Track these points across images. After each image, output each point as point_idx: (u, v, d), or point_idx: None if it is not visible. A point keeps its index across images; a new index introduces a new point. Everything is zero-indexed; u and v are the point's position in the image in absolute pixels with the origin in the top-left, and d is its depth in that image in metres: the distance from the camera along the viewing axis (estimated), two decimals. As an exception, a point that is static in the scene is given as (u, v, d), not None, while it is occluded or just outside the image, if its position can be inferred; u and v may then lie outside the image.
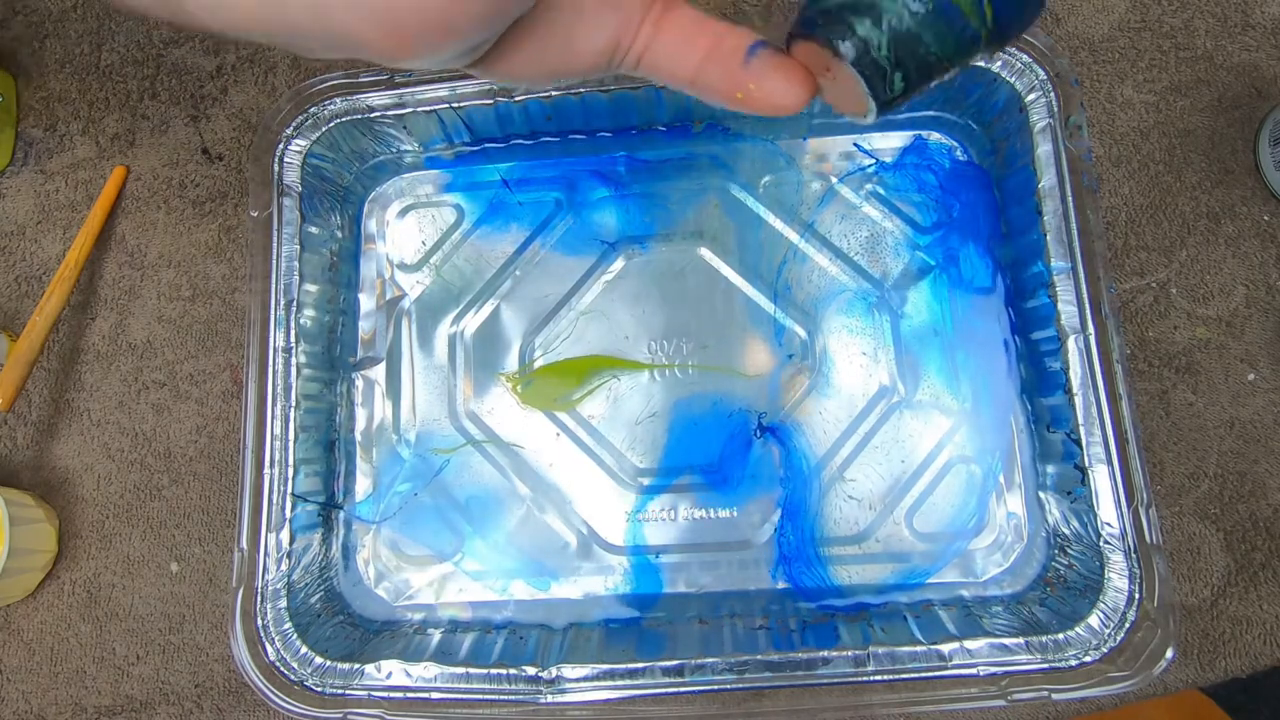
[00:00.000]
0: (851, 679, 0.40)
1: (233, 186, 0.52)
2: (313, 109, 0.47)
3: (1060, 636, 0.40)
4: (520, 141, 0.50)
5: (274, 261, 0.46)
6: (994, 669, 0.39)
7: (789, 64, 0.26)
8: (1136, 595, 0.40)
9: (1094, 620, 0.40)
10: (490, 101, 0.46)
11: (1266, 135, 0.47)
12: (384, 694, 0.41)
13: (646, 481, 0.47)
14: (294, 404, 0.45)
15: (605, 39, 0.26)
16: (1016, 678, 0.39)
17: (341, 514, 0.47)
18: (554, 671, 0.41)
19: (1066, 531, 0.43)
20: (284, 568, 0.43)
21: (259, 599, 0.42)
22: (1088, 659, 0.39)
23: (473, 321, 0.49)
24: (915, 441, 0.46)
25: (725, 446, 0.47)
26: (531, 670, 0.41)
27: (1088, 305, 0.42)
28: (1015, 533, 0.45)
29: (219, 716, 0.47)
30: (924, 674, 0.40)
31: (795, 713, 0.40)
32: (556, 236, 0.50)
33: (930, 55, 0.24)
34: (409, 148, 0.50)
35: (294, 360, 0.45)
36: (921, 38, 0.24)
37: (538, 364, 0.48)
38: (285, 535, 0.43)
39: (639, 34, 0.27)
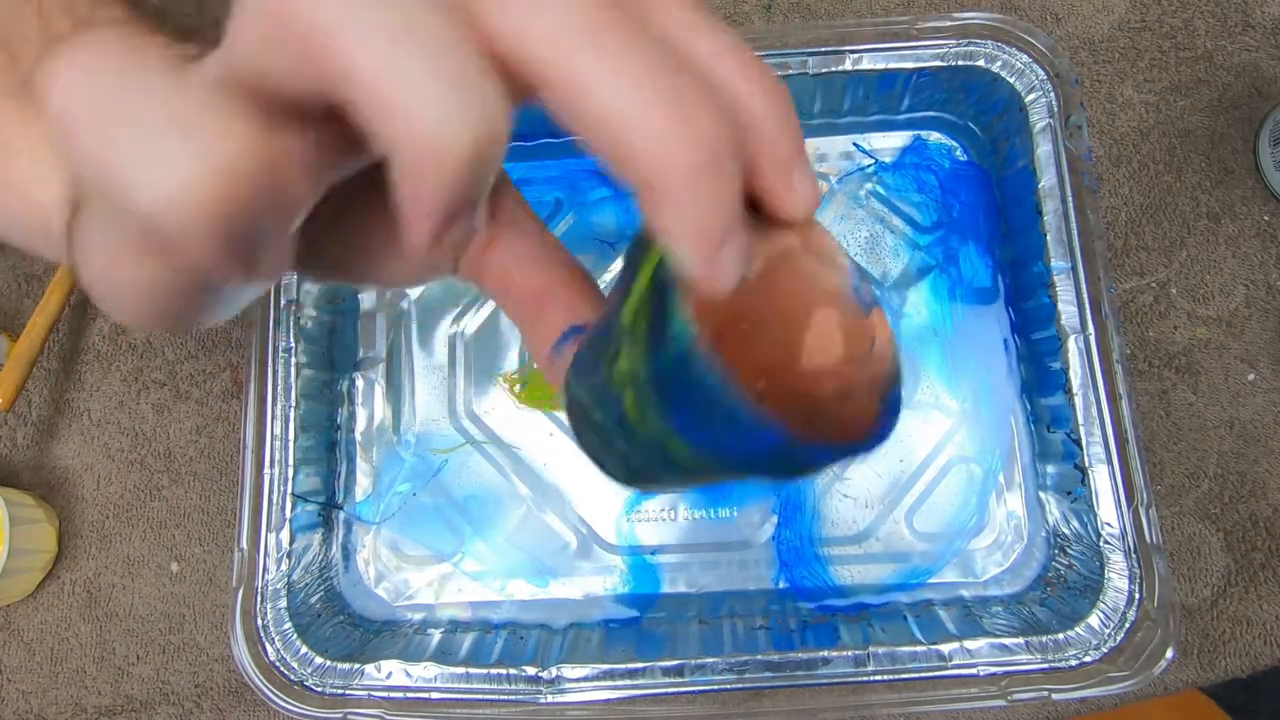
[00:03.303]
0: (851, 679, 0.40)
1: (233, 186, 0.52)
2: (313, 109, 0.47)
3: (1060, 636, 0.40)
4: (520, 141, 0.50)
5: (274, 261, 0.46)
6: (994, 669, 0.39)
7: None
8: (1136, 595, 0.40)
9: (1094, 620, 0.40)
10: (490, 101, 0.46)
11: (1266, 135, 0.47)
12: (384, 694, 0.41)
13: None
14: (294, 404, 0.45)
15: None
16: (1016, 678, 0.39)
17: (341, 514, 0.47)
18: (554, 671, 0.41)
19: (1066, 531, 0.43)
20: (284, 568, 0.43)
21: (259, 599, 0.42)
22: (1088, 659, 0.39)
23: (473, 321, 0.49)
24: (915, 441, 0.46)
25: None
26: (531, 670, 0.41)
27: (1088, 305, 0.42)
28: (1015, 533, 0.45)
29: (219, 716, 0.47)
30: (924, 674, 0.40)
31: (795, 713, 0.40)
32: (556, 236, 0.49)
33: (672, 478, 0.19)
34: (409, 148, 0.50)
35: (294, 360, 0.45)
36: (660, 476, 0.19)
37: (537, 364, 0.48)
38: (285, 535, 0.43)
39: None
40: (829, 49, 0.45)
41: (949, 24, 0.44)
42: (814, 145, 0.49)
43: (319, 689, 0.41)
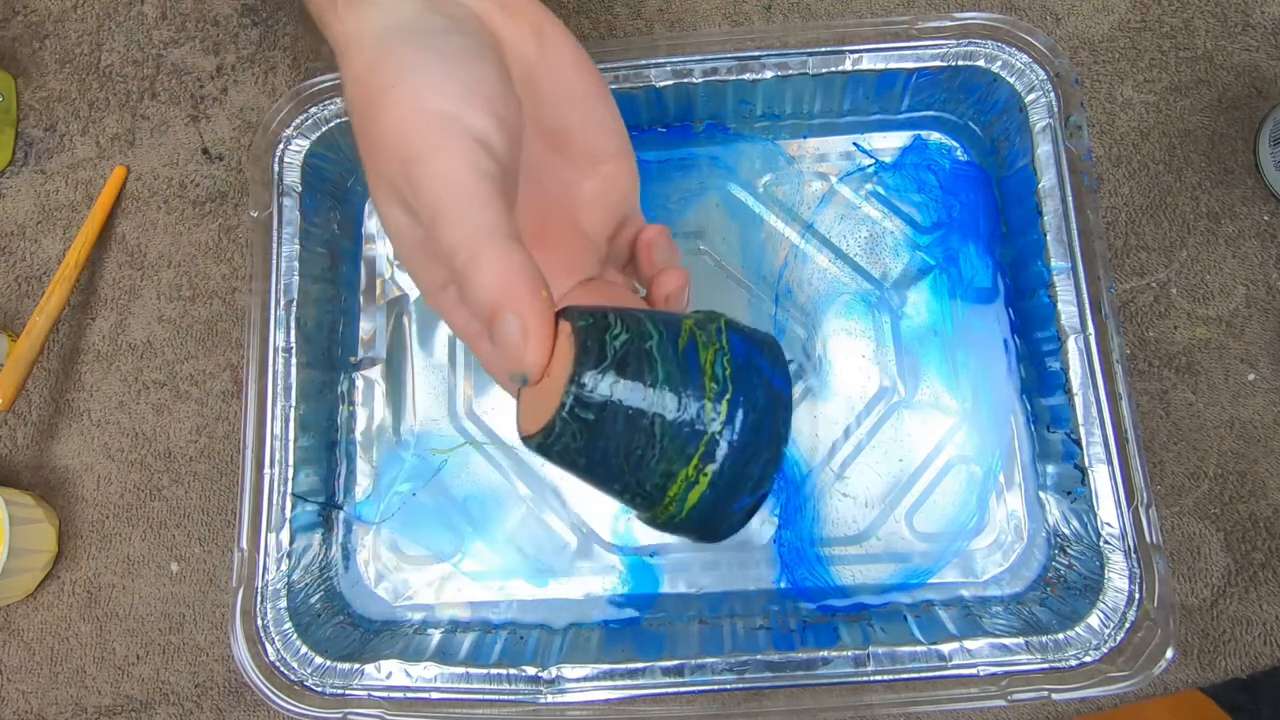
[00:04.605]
0: (851, 679, 0.40)
1: (233, 186, 0.52)
2: (313, 109, 0.47)
3: (1060, 636, 0.40)
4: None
5: (274, 261, 0.46)
6: (994, 669, 0.39)
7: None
8: (1136, 595, 0.40)
9: (1094, 620, 0.40)
10: (490, 101, 0.46)
11: (1266, 135, 0.47)
12: (384, 694, 0.41)
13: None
14: (294, 404, 0.45)
15: None
16: (1016, 678, 0.39)
17: (341, 514, 0.47)
18: (554, 671, 0.41)
19: (1066, 531, 0.43)
20: (284, 568, 0.43)
21: (259, 599, 0.42)
22: (1088, 659, 0.39)
23: (473, 321, 0.49)
24: (915, 441, 0.46)
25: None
26: (531, 670, 0.41)
27: (1088, 305, 0.42)
28: (1015, 533, 0.45)
29: (219, 716, 0.47)
30: (924, 674, 0.40)
31: (795, 713, 0.40)
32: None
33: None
34: (409, 148, 0.50)
35: (294, 360, 0.45)
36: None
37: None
38: (285, 535, 0.43)
39: None
40: (829, 49, 0.45)
41: (949, 24, 0.44)
42: (814, 145, 0.49)
43: (319, 689, 0.41)
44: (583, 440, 0.24)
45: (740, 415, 0.24)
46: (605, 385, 0.24)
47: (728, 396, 0.24)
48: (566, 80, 0.31)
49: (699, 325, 0.25)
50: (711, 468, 0.24)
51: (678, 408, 0.24)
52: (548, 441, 0.25)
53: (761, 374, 0.24)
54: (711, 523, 0.25)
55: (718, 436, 0.24)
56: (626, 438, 0.24)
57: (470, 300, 0.25)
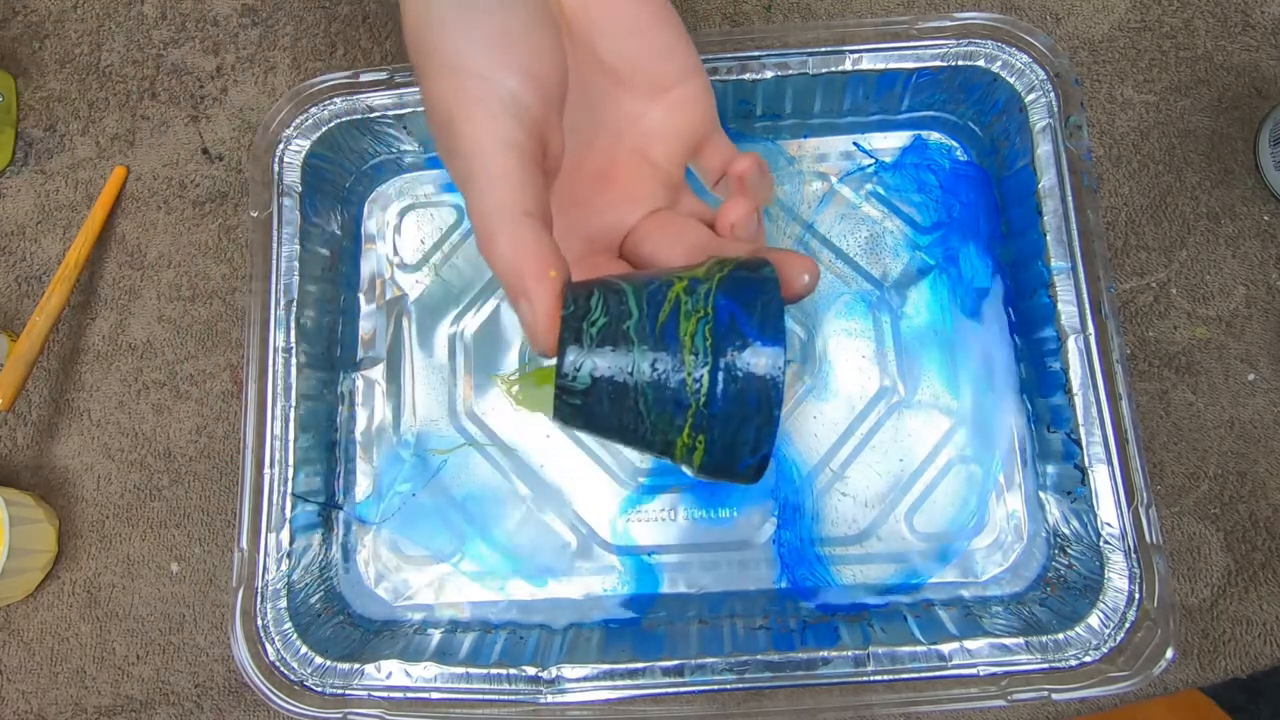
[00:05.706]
0: (851, 679, 0.40)
1: (233, 186, 0.52)
2: (313, 109, 0.47)
3: (1060, 636, 0.40)
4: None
5: (274, 261, 0.46)
6: (994, 669, 0.39)
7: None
8: (1136, 595, 0.40)
9: (1094, 620, 0.40)
10: (490, 101, 0.46)
11: (1266, 135, 0.47)
12: (384, 694, 0.41)
13: (644, 481, 0.47)
14: (294, 404, 0.45)
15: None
16: (1016, 678, 0.39)
17: (341, 514, 0.47)
18: (554, 671, 0.41)
19: (1066, 531, 0.43)
20: (284, 568, 0.43)
21: (259, 599, 0.42)
22: (1088, 659, 0.39)
23: (473, 321, 0.49)
24: (915, 441, 0.46)
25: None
26: (531, 670, 0.41)
27: (1088, 305, 0.42)
28: (1015, 533, 0.45)
29: (219, 716, 0.47)
30: (924, 674, 0.40)
31: (795, 713, 0.40)
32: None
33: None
34: (409, 148, 0.50)
35: (294, 360, 0.45)
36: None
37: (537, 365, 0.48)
38: (285, 535, 0.43)
39: None
40: (829, 49, 0.45)
41: (949, 24, 0.44)
42: (814, 145, 0.49)
43: (319, 689, 0.41)
44: (581, 419, 0.26)
45: (720, 387, 0.24)
46: (584, 373, 0.25)
47: (707, 368, 0.24)
48: (623, 9, 0.31)
49: (690, 289, 0.26)
50: (703, 437, 0.25)
51: (657, 385, 0.25)
52: (555, 419, 0.27)
53: (744, 338, 0.25)
54: (726, 478, 0.27)
55: (701, 409, 0.25)
56: (616, 416, 0.26)
57: (496, 274, 0.26)
